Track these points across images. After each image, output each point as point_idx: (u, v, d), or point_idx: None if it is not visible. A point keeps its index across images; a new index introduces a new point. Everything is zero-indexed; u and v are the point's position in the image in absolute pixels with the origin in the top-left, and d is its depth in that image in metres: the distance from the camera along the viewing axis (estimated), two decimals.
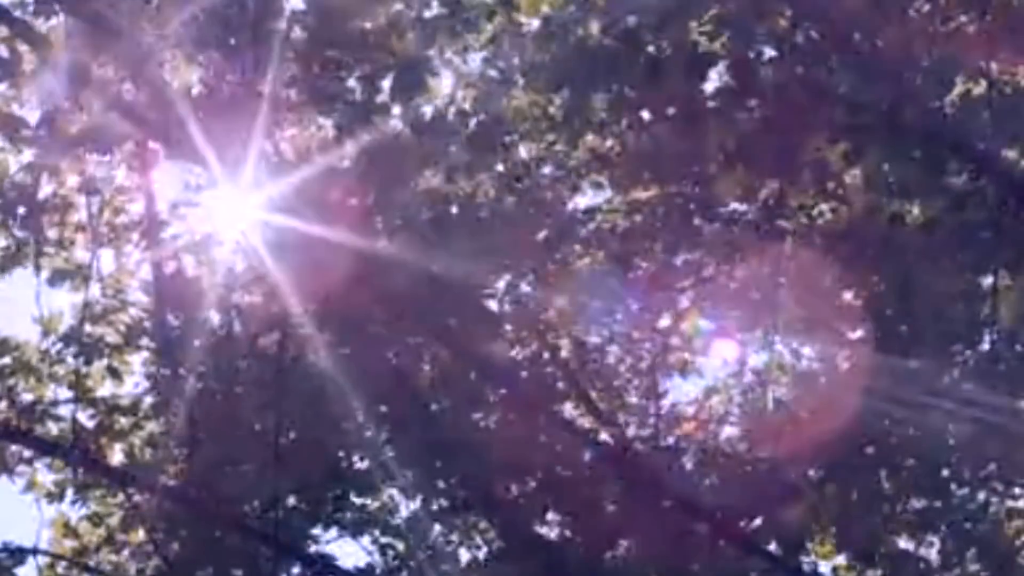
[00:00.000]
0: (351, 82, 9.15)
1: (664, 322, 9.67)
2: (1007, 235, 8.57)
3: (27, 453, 10.83)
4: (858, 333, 8.77)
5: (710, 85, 8.68)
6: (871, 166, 8.50)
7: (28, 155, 9.80)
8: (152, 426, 10.90)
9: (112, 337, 10.85)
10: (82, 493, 11.02)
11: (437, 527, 10.37)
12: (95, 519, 11.04)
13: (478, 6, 9.15)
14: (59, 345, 10.76)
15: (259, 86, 8.84)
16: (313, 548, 10.37)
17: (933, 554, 9.40)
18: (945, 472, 9.07)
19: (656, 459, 9.87)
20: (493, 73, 9.22)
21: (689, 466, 9.81)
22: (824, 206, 8.89)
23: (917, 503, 9.16)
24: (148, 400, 10.97)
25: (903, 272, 8.49)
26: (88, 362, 10.73)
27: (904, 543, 9.45)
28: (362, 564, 10.31)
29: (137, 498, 10.73)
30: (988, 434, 8.47)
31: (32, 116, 9.25)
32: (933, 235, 8.56)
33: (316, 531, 10.40)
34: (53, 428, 10.86)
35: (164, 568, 10.55)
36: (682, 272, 9.27)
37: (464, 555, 10.44)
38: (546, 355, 9.95)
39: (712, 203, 8.94)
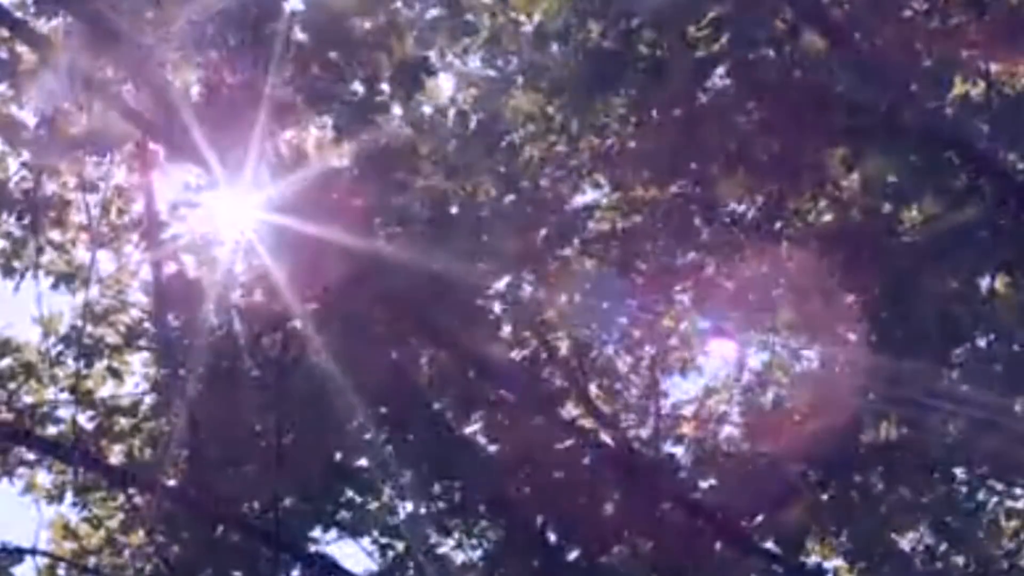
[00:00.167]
0: (351, 83, 9.15)
1: (665, 322, 9.67)
2: (1006, 235, 8.57)
3: (27, 455, 10.81)
4: (856, 334, 8.77)
5: (710, 87, 8.70)
6: (870, 167, 8.50)
7: (27, 155, 9.80)
8: (152, 427, 10.90)
9: (112, 338, 10.86)
10: (82, 495, 11.03)
11: (437, 527, 10.38)
12: (95, 521, 11.04)
13: (477, 6, 9.16)
14: (59, 346, 10.78)
15: (259, 87, 8.84)
16: (313, 549, 10.36)
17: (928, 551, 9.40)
18: (943, 471, 9.07)
19: (656, 459, 9.88)
20: (493, 73, 9.22)
21: (688, 465, 9.81)
22: (823, 206, 8.89)
23: (915, 502, 9.15)
24: (148, 401, 10.97)
25: (901, 273, 8.48)
26: (88, 364, 10.73)
27: (902, 542, 9.45)
28: (363, 566, 10.33)
29: (137, 499, 10.71)
30: (985, 434, 8.47)
31: (31, 117, 9.26)
32: (931, 236, 8.56)
33: (316, 532, 10.39)
34: (53, 430, 10.86)
35: (164, 569, 10.54)
36: (682, 272, 9.28)
37: (464, 556, 10.45)
38: (546, 355, 9.94)
39: (712, 204, 8.94)
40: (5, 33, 9.01)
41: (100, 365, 10.85)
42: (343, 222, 9.15)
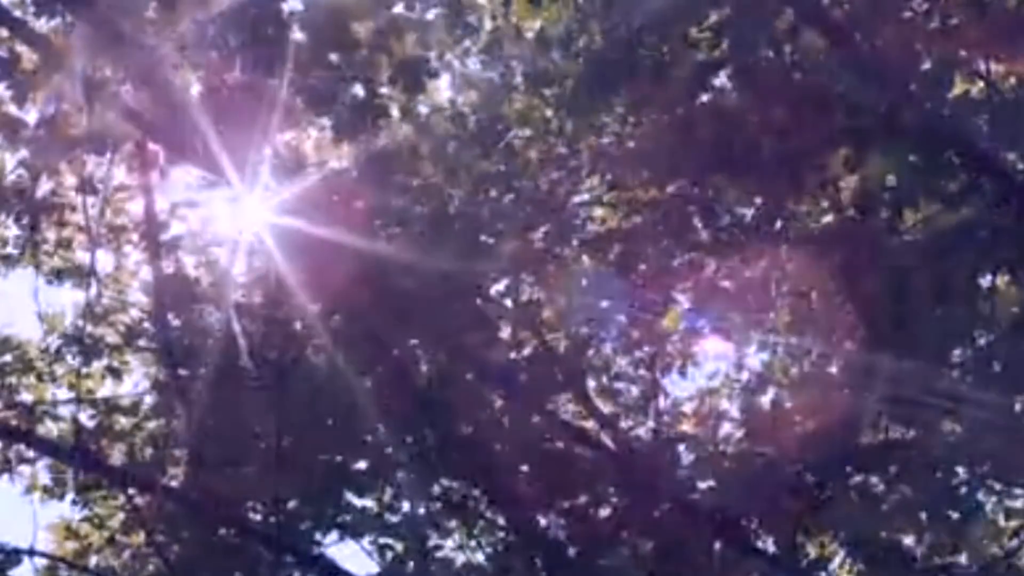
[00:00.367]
0: (351, 84, 9.15)
1: (665, 323, 9.65)
2: (1006, 235, 8.56)
3: (28, 453, 10.82)
4: (856, 334, 8.76)
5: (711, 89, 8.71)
6: (870, 168, 8.49)
7: (27, 154, 9.81)
8: (153, 426, 10.91)
9: (112, 337, 10.87)
10: (83, 494, 11.03)
11: (437, 527, 10.38)
12: (96, 520, 11.04)
13: (478, 8, 9.18)
14: (60, 344, 10.79)
15: (260, 89, 8.85)
16: (314, 550, 10.35)
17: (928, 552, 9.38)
18: (943, 471, 9.04)
19: (655, 459, 9.87)
20: (493, 76, 9.23)
21: (688, 465, 9.80)
22: (823, 207, 8.88)
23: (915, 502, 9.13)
24: (149, 400, 10.98)
25: (900, 273, 8.47)
26: (88, 362, 10.74)
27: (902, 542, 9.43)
28: (363, 568, 10.32)
29: (138, 499, 10.70)
30: (985, 434, 8.45)
31: (31, 117, 9.28)
32: (931, 235, 8.55)
33: (317, 534, 10.38)
34: (54, 428, 10.87)
35: (165, 570, 10.54)
36: (681, 273, 9.27)
37: (464, 556, 10.45)
38: (545, 355, 9.94)
39: (711, 205, 8.94)
40: (5, 33, 9.02)
41: (100, 364, 10.86)
42: (343, 223, 9.15)
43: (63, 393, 10.86)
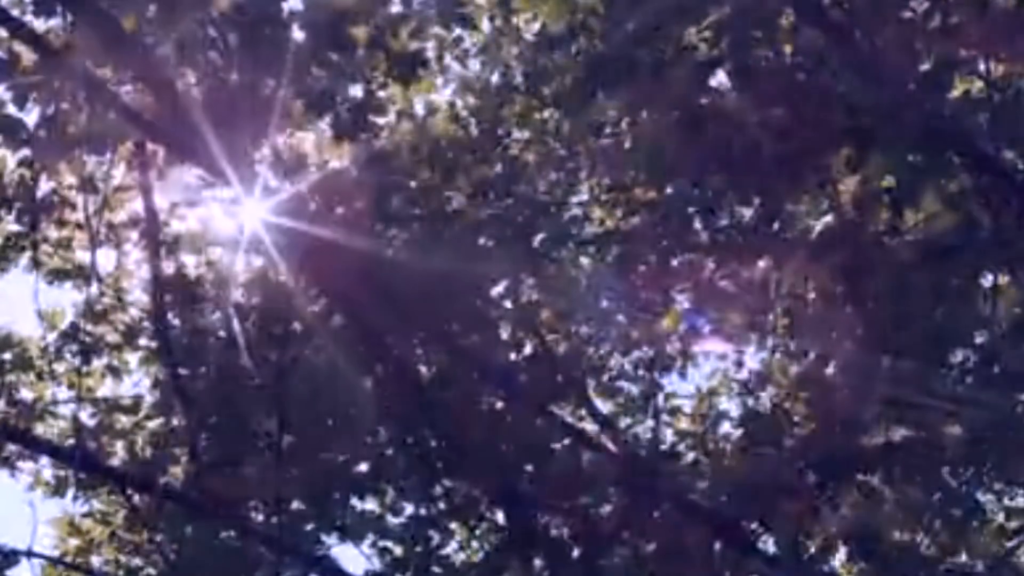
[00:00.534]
0: (350, 84, 9.15)
1: (665, 323, 9.65)
2: (1006, 235, 8.55)
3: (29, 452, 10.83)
4: (855, 334, 8.75)
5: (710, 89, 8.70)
6: (870, 168, 8.48)
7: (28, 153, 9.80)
8: (153, 425, 10.91)
9: (112, 336, 10.87)
10: (85, 491, 11.04)
11: (437, 526, 10.39)
12: (98, 516, 11.05)
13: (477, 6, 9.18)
14: (60, 342, 10.79)
15: (259, 88, 8.83)
16: (315, 551, 10.35)
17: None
18: (943, 472, 9.06)
19: (655, 459, 9.87)
20: (492, 76, 9.23)
21: (688, 465, 9.81)
22: (823, 207, 8.87)
23: (915, 502, 9.14)
24: (149, 399, 10.99)
25: (901, 273, 8.47)
26: (87, 361, 10.74)
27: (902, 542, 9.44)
28: (363, 567, 10.32)
29: (137, 499, 10.71)
30: (985, 434, 8.46)
31: (31, 116, 9.26)
32: (932, 235, 8.54)
33: (319, 534, 10.38)
34: (54, 427, 10.87)
35: (165, 569, 10.54)
36: (680, 273, 9.26)
37: (465, 556, 10.45)
38: (545, 355, 9.94)
39: (711, 206, 8.93)
40: (4, 33, 9.01)
41: (100, 363, 10.87)
42: (343, 223, 9.15)
43: (63, 392, 10.87)
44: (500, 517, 10.29)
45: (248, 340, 9.97)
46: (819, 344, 9.01)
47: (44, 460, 10.84)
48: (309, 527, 10.27)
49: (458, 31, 9.59)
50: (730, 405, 10.30)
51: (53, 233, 10.54)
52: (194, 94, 9.11)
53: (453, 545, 10.46)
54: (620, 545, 9.77)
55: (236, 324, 9.92)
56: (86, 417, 10.83)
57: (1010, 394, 8.50)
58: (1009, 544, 9.69)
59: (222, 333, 10.24)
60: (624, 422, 10.43)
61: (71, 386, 10.80)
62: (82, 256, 10.63)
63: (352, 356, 9.73)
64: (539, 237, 9.27)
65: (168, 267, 10.52)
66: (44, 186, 10.27)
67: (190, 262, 10.57)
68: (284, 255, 9.31)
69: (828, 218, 8.74)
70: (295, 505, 10.28)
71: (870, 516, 9.03)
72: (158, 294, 10.49)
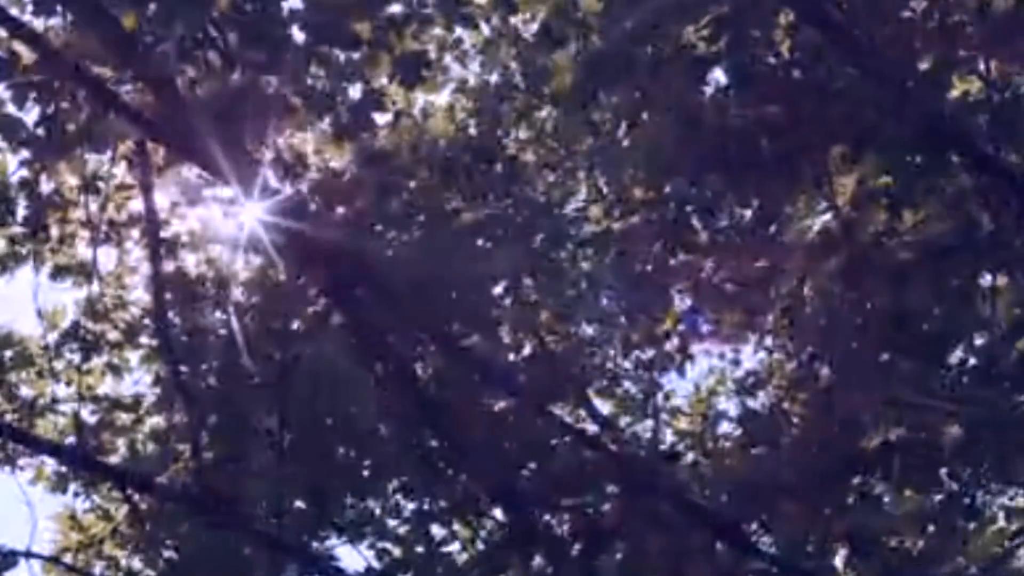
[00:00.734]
0: (351, 83, 9.14)
1: (663, 325, 9.65)
2: (1006, 235, 8.55)
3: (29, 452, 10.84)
4: (855, 334, 8.75)
5: (709, 87, 8.69)
6: (868, 168, 8.48)
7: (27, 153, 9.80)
8: (155, 422, 10.93)
9: (113, 334, 10.88)
10: (87, 488, 11.06)
11: (440, 525, 10.40)
12: (100, 512, 11.07)
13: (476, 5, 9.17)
14: (61, 340, 10.80)
15: (260, 89, 8.83)
16: (315, 550, 10.36)
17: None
18: (943, 472, 9.06)
19: (655, 458, 9.87)
20: (491, 77, 9.23)
21: (687, 465, 9.81)
22: (822, 207, 8.87)
23: (914, 502, 9.14)
24: (150, 396, 11.00)
25: (900, 273, 8.47)
26: (88, 358, 10.75)
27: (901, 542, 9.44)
28: (362, 567, 10.32)
29: (137, 498, 10.72)
30: (985, 434, 8.46)
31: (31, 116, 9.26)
32: (931, 235, 8.54)
33: (319, 534, 10.39)
34: (55, 424, 10.89)
35: (165, 569, 10.55)
36: (679, 273, 9.26)
37: (466, 555, 10.46)
38: (545, 355, 9.94)
39: (709, 206, 8.93)
40: (4, 33, 9.00)
41: (100, 361, 10.88)
42: (343, 222, 9.14)
43: (63, 390, 10.90)
44: (500, 515, 10.30)
45: (248, 338, 9.97)
46: (817, 344, 9.01)
47: (45, 457, 10.86)
48: (309, 526, 10.27)
49: (459, 32, 9.59)
50: (728, 405, 10.31)
51: (54, 231, 10.54)
52: (194, 93, 9.11)
53: (454, 545, 10.47)
54: (620, 544, 9.77)
55: (236, 322, 9.93)
56: (87, 415, 10.87)
57: (1008, 394, 8.49)
58: (1009, 545, 9.67)
59: (223, 331, 10.24)
60: (624, 421, 10.43)
61: (71, 384, 10.81)
62: (83, 254, 10.66)
63: (352, 355, 9.73)
64: (539, 237, 9.26)
65: (169, 265, 10.52)
66: (45, 186, 10.28)
67: (191, 261, 10.59)
68: (284, 254, 9.30)
69: (827, 217, 8.74)
70: (295, 504, 10.28)
71: (869, 516, 9.03)
72: (159, 292, 10.49)
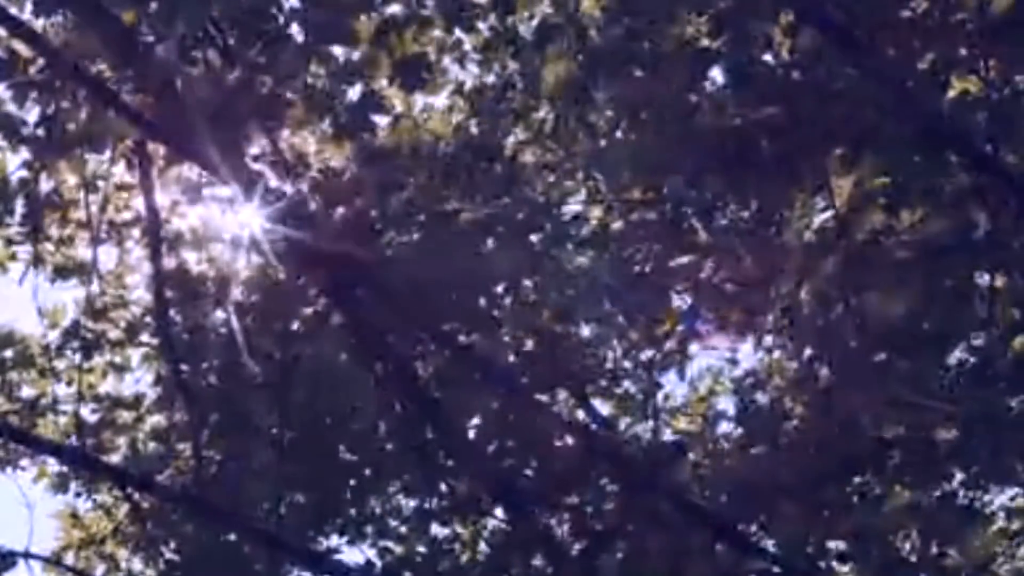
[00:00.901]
0: (351, 83, 9.14)
1: (662, 327, 9.66)
2: (1005, 235, 8.54)
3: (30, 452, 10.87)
4: (854, 334, 8.74)
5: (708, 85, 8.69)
6: (868, 167, 8.47)
7: (27, 153, 9.81)
8: (155, 420, 10.95)
9: (114, 333, 10.90)
10: (87, 487, 11.08)
11: (440, 524, 10.41)
12: (101, 511, 11.10)
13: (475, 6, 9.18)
14: (61, 339, 10.82)
15: (260, 88, 8.84)
16: (316, 549, 10.36)
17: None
18: (942, 472, 9.05)
19: (654, 459, 9.87)
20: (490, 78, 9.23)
21: (687, 465, 9.80)
22: (821, 206, 8.87)
23: (914, 502, 9.13)
24: (151, 395, 11.02)
25: (899, 272, 8.46)
26: (89, 357, 10.77)
27: (901, 543, 9.44)
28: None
29: (137, 497, 10.74)
30: (984, 434, 8.45)
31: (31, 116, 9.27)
32: (930, 235, 8.53)
33: (319, 533, 10.39)
34: (55, 423, 10.91)
35: (165, 568, 10.57)
36: (678, 273, 9.25)
37: (467, 555, 10.47)
38: (544, 355, 9.94)
39: (708, 205, 8.92)
40: (4, 32, 9.02)
41: (101, 360, 10.90)
42: (343, 221, 9.15)
43: (64, 389, 10.92)
44: (500, 515, 10.31)
45: (249, 337, 9.99)
46: (816, 344, 9.01)
47: (45, 457, 10.88)
48: (310, 525, 10.28)
49: (458, 33, 9.59)
50: (727, 405, 10.31)
51: (54, 231, 10.56)
52: (194, 92, 9.11)
53: (455, 545, 10.48)
54: (620, 544, 9.78)
55: (236, 322, 9.94)
56: (87, 414, 10.89)
57: (1004, 395, 8.48)
58: (1009, 545, 9.68)
59: (223, 330, 10.26)
60: (624, 421, 10.43)
61: (72, 383, 10.83)
62: (83, 253, 10.68)
63: (352, 354, 9.75)
64: (538, 237, 9.27)
65: (169, 264, 10.54)
66: (45, 185, 10.29)
67: (191, 259, 10.60)
68: (284, 254, 9.31)
69: (825, 216, 8.74)
70: (296, 502, 10.30)
71: (868, 516, 9.03)
72: (160, 291, 10.51)
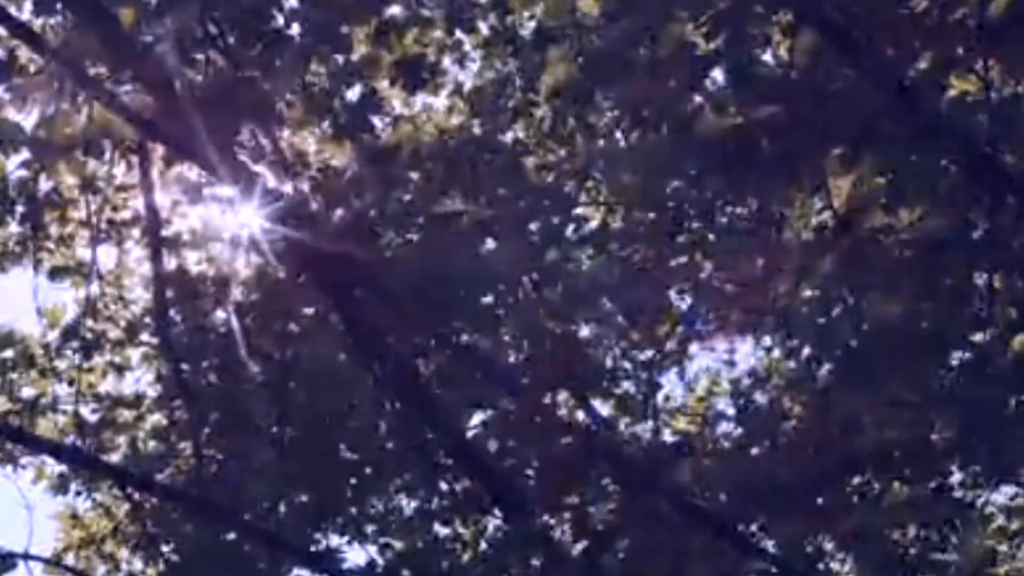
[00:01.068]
0: (351, 83, 9.16)
1: (662, 327, 9.66)
2: (1005, 234, 8.53)
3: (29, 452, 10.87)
4: (853, 333, 8.74)
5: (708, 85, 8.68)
6: (867, 167, 8.47)
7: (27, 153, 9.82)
8: (155, 419, 10.96)
9: (114, 333, 10.92)
10: (87, 487, 11.09)
11: (441, 523, 10.41)
12: (101, 510, 11.10)
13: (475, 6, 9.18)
14: (61, 339, 10.84)
15: (259, 88, 8.84)
16: (316, 549, 10.37)
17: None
18: (942, 472, 9.05)
19: (654, 459, 9.87)
20: (489, 76, 9.23)
21: (687, 466, 9.79)
22: (820, 206, 8.87)
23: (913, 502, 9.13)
24: (151, 394, 11.03)
25: (898, 272, 8.46)
26: (88, 356, 10.79)
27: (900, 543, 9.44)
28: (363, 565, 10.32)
29: (137, 496, 10.75)
30: (983, 434, 8.45)
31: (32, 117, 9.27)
32: (929, 235, 8.52)
33: (319, 533, 10.40)
34: (55, 423, 10.92)
35: (165, 567, 10.58)
36: (678, 273, 9.26)
37: (467, 554, 10.47)
38: (544, 355, 9.93)
39: (708, 206, 8.92)
40: (3, 32, 9.03)
41: (101, 359, 10.91)
42: (343, 221, 9.15)
43: (64, 389, 10.93)
44: (500, 515, 10.31)
45: (248, 337, 9.99)
46: (815, 344, 9.00)
47: (45, 457, 10.89)
48: (310, 524, 10.29)
49: (459, 34, 9.59)
50: (726, 405, 10.31)
51: (54, 231, 10.57)
52: (193, 92, 9.11)
53: (456, 544, 10.48)
54: (620, 544, 9.77)
55: (236, 321, 9.95)
56: (87, 413, 10.90)
57: (1003, 393, 8.47)
58: (1009, 544, 9.68)
59: (223, 330, 10.27)
60: (624, 422, 10.43)
61: (72, 383, 10.84)
62: (83, 253, 10.69)
63: (352, 354, 9.75)
64: (537, 237, 9.27)
65: (169, 264, 10.55)
66: (44, 185, 10.30)
67: (191, 259, 10.62)
68: (284, 254, 9.32)
69: (824, 215, 8.73)
70: (296, 502, 10.30)
71: (868, 516, 9.03)
72: (159, 291, 10.52)
